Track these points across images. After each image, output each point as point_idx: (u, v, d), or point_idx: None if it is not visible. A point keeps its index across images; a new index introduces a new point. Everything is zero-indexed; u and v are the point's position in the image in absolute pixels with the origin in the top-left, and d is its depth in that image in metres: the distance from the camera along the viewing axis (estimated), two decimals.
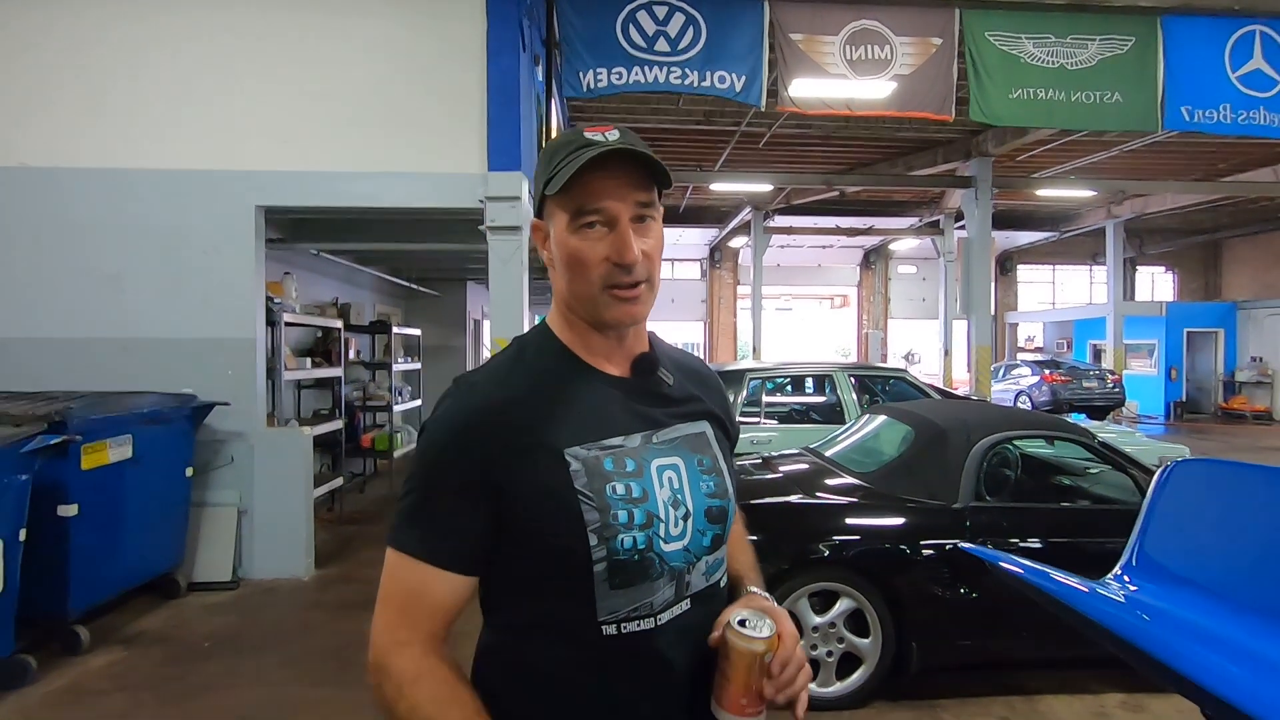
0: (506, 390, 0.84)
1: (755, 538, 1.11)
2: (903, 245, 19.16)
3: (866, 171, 11.80)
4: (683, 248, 19.77)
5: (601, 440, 0.83)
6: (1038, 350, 20.19)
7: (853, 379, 5.70)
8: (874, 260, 20.66)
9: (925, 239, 16.95)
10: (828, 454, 3.93)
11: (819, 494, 3.38)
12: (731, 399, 5.57)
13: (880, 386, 6.17)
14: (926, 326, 19.45)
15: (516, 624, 0.84)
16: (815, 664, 2.96)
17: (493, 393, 0.84)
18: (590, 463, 0.81)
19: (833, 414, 5.62)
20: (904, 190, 13.90)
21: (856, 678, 2.98)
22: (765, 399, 5.94)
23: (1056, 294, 21.26)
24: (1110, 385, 14.31)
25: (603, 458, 0.82)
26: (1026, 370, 15.21)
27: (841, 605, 2.98)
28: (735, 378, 5.67)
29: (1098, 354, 17.13)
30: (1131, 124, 5.49)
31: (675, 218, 16.26)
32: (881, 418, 4.01)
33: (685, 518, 0.85)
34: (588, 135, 0.83)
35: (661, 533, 0.82)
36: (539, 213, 0.89)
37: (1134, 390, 15.19)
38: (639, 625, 0.81)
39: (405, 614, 0.80)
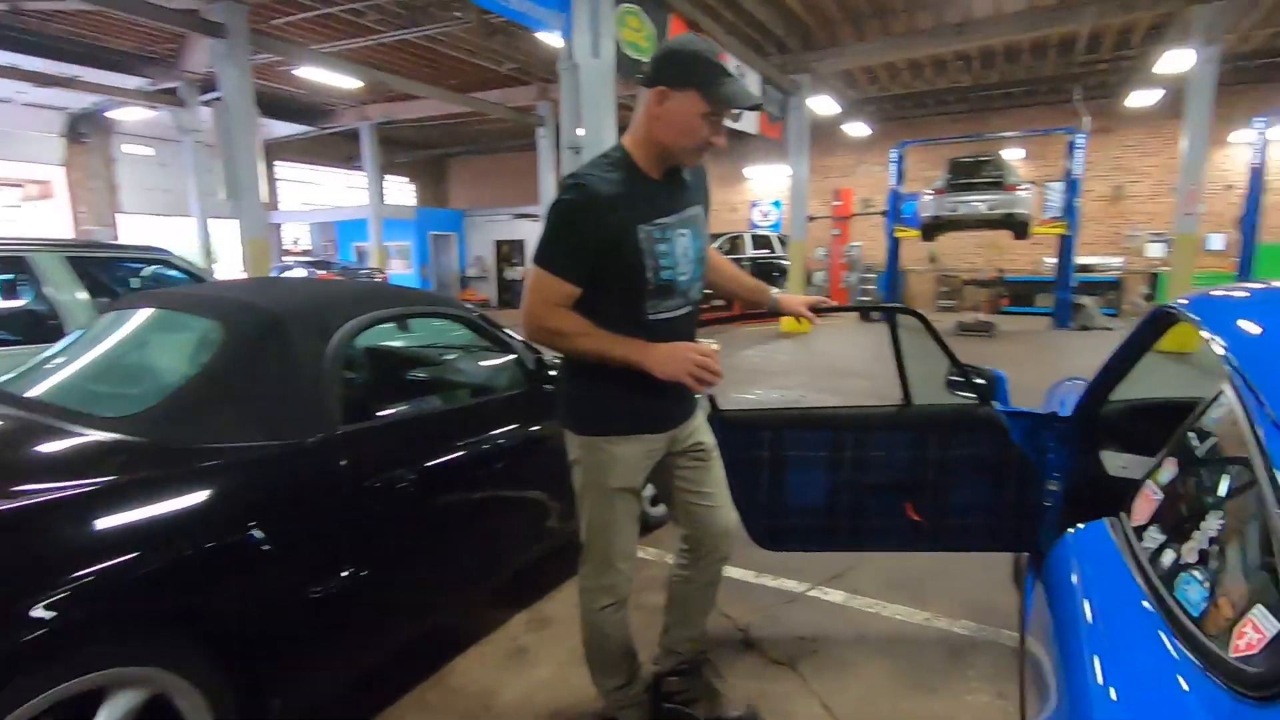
0: (607, 186, 1.56)
1: None
2: (131, 116, 14.88)
3: None
4: None
5: (654, 220, 1.61)
6: (305, 253, 19.56)
7: (71, 264, 3.42)
8: (87, 132, 15.45)
9: (162, 110, 13.46)
10: (32, 394, 1.99)
11: (22, 484, 1.55)
12: None
13: (122, 280, 4.07)
14: (177, 226, 15.99)
15: (604, 316, 1.59)
16: None
17: (600, 186, 1.56)
18: (648, 233, 1.60)
19: (34, 328, 3.28)
20: (122, 29, 10.39)
21: None
22: None
23: (317, 195, 20.87)
24: (380, 283, 14.95)
25: (653, 230, 1.61)
26: (303, 272, 14.33)
27: (113, 708, 1.38)
28: None
29: (362, 255, 17.75)
30: None
31: None
32: (147, 313, 2.28)
33: (689, 262, 1.69)
34: (727, 65, 1.60)
35: (678, 270, 1.66)
36: (667, 83, 1.56)
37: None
38: (664, 315, 1.66)
39: (547, 300, 1.58)
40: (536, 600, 2.70)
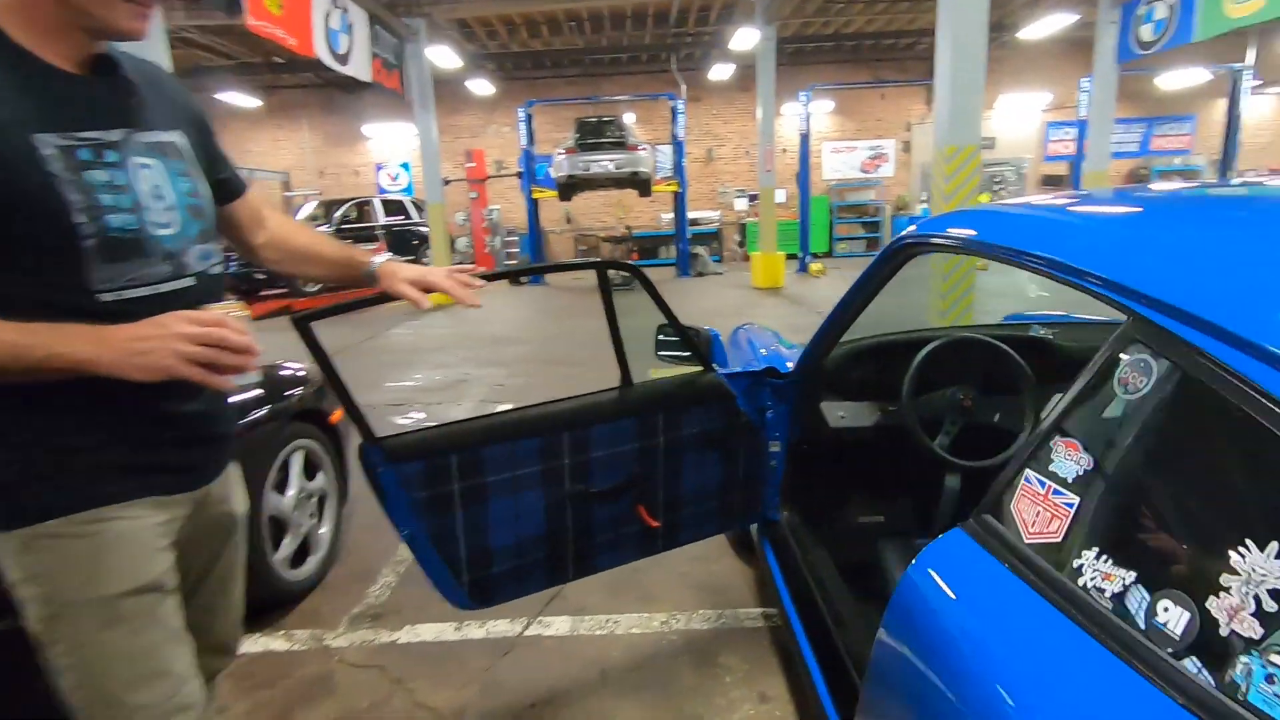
0: None
1: None
2: None
3: None
4: None
5: (72, 130, 0.87)
6: None
7: None
8: None
9: None
10: None
11: None
12: None
13: None
14: None
15: (11, 303, 0.85)
16: None
17: None
18: (65, 150, 0.86)
19: None
20: None
21: None
22: None
23: None
24: None
25: (77, 149, 0.87)
26: None
27: None
28: None
29: None
30: None
31: None
32: None
33: (168, 210, 0.96)
34: None
35: (149, 218, 0.94)
36: None
37: None
38: (138, 292, 0.92)
39: None
40: None
